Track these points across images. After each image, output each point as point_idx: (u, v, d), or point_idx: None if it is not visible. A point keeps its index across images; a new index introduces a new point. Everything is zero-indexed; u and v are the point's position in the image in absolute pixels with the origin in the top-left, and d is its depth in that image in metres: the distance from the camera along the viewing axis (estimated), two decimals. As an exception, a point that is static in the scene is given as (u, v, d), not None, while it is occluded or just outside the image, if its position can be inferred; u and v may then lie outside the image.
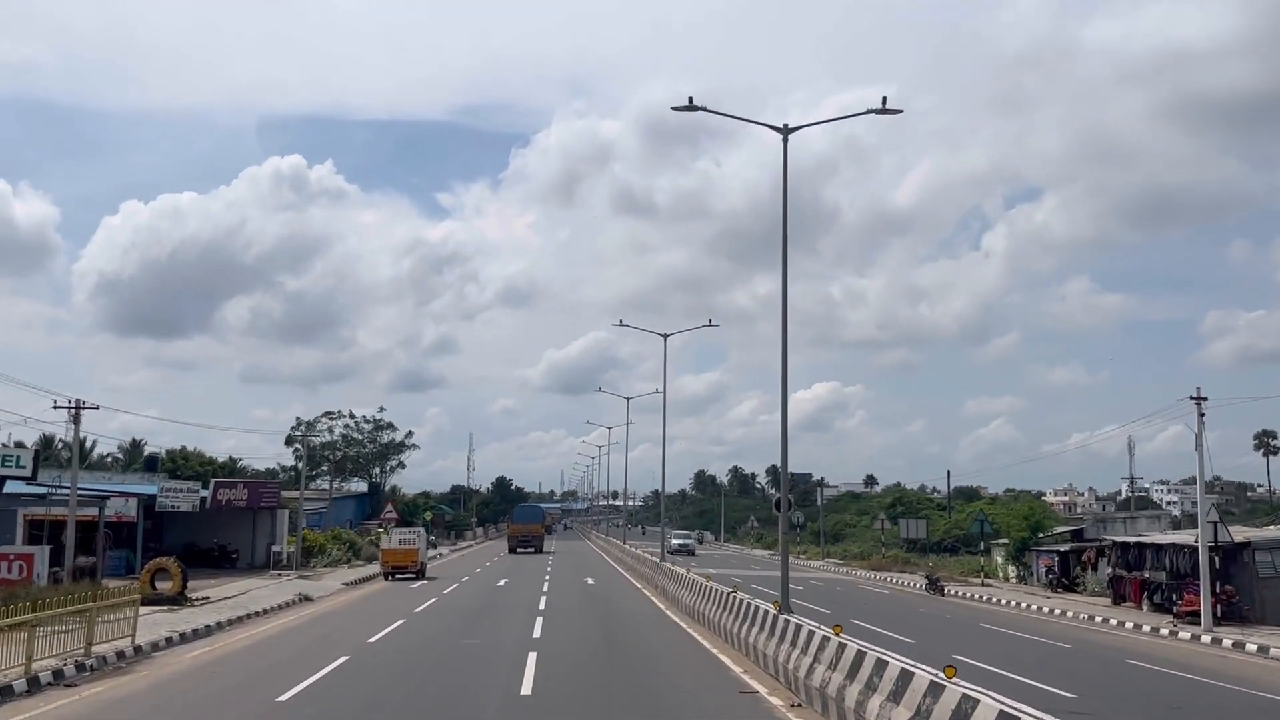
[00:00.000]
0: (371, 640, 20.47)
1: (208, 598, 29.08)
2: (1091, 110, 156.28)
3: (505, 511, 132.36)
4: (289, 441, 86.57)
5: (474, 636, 21.31)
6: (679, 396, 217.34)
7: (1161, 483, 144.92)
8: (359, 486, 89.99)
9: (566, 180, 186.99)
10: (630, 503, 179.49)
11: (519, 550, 67.83)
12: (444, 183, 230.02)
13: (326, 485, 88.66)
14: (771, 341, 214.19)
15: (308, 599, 31.16)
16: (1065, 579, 37.46)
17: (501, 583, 39.21)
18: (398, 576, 40.70)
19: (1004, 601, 34.62)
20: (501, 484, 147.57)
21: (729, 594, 20.51)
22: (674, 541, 66.46)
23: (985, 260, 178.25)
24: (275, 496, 46.16)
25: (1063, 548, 39.62)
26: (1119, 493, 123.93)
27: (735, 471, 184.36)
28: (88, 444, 63.80)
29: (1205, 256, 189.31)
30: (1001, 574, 44.76)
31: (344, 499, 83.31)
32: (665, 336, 42.98)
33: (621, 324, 43.21)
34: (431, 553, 66.66)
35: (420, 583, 38.94)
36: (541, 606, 28.32)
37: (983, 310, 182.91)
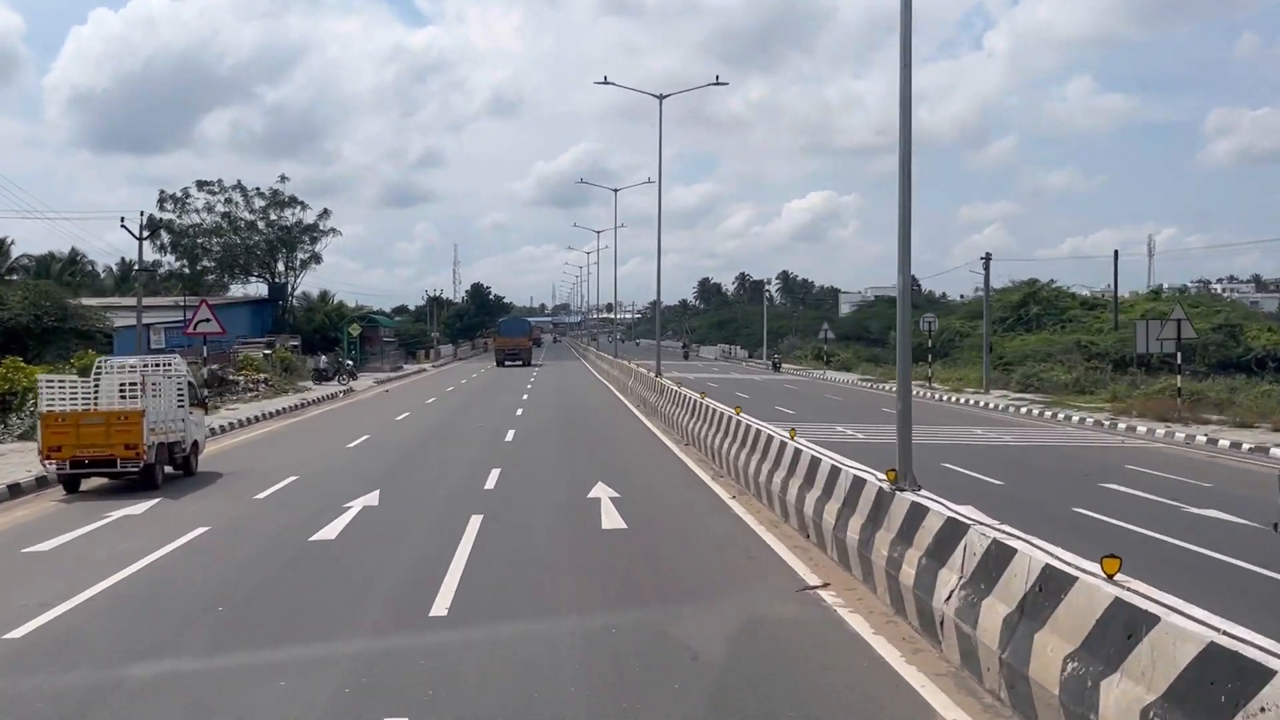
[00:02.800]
0: None
1: None
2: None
3: (483, 325, 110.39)
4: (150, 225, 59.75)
5: None
6: (669, 209, 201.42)
7: (1200, 281, 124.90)
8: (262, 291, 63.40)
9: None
10: (626, 315, 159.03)
11: (506, 364, 67.00)
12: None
13: (214, 289, 62.76)
14: (765, 150, 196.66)
15: None
16: None
17: (347, 514, 13.38)
18: (111, 477, 15.78)
19: None
20: (478, 293, 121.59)
21: None
22: None
23: (987, 60, 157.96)
24: None
25: None
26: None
27: (743, 279, 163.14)
28: None
29: (1212, 54, 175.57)
30: None
31: (232, 307, 57.00)
32: (661, 98, 34.80)
33: (606, 81, 34.93)
34: (342, 387, 41.25)
35: (130, 509, 13.59)
36: None
37: (981, 113, 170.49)
